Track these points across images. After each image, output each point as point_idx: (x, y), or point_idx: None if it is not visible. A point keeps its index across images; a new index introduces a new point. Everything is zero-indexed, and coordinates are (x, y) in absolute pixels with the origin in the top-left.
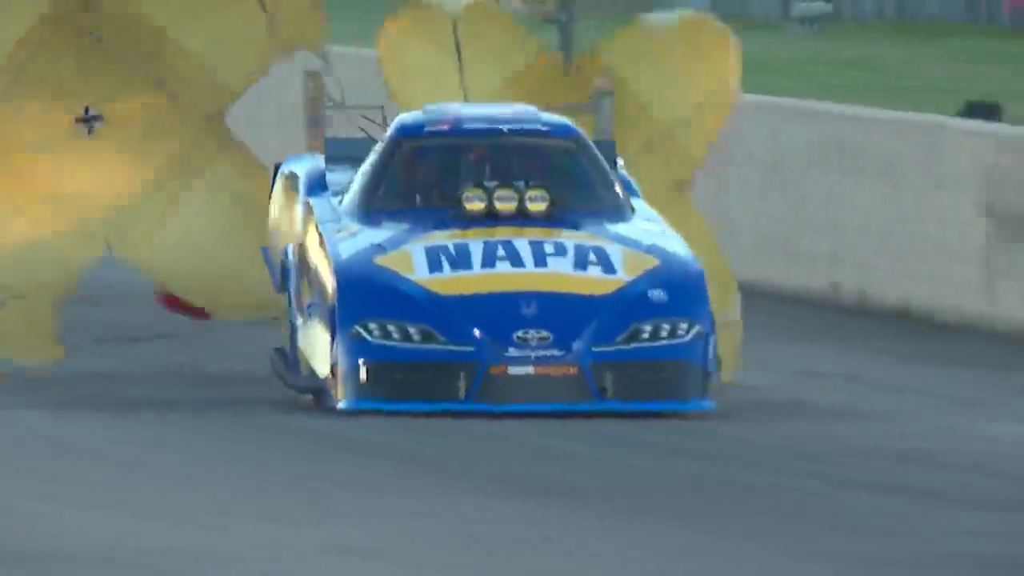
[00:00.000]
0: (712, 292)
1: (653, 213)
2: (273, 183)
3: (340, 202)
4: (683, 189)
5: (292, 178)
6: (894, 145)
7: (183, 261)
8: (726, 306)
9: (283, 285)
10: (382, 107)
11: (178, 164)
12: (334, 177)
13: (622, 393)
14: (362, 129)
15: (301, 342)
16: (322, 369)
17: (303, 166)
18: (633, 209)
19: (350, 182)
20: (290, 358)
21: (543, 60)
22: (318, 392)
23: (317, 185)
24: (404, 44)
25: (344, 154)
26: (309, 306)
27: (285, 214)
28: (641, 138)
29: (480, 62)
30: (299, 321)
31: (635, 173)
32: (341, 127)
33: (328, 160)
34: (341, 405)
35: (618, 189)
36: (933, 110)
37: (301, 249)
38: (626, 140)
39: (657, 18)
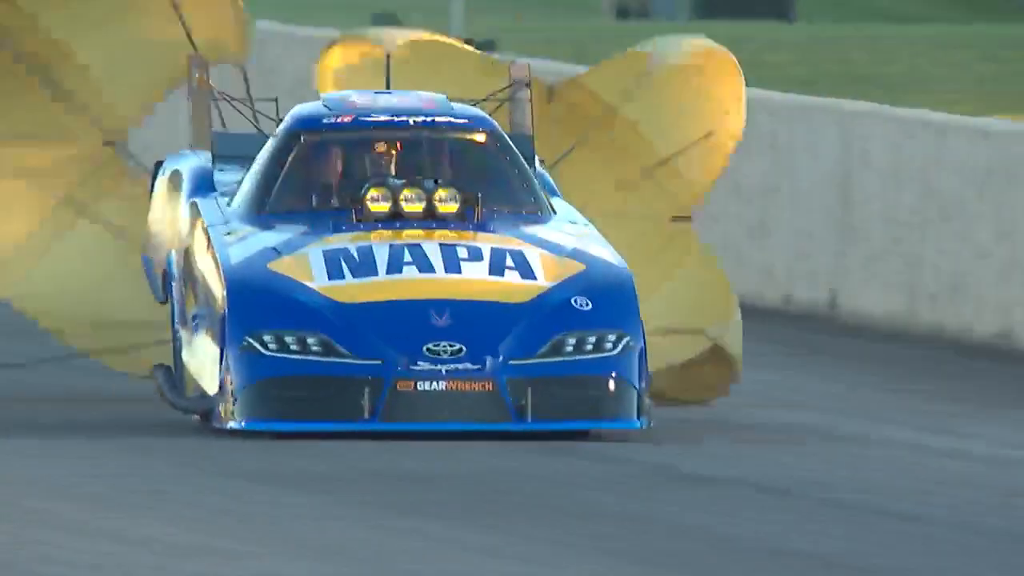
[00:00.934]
0: (710, 312)
1: (576, 214)
2: (153, 183)
3: (229, 203)
4: (683, 222)
5: (175, 177)
6: None
7: (64, 300)
8: (719, 324)
9: (165, 295)
10: (276, 99)
11: (67, 198)
12: (222, 176)
13: (542, 412)
14: (253, 123)
15: (187, 357)
16: (211, 386)
17: (187, 164)
18: (554, 210)
19: (240, 181)
20: (176, 375)
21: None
22: (207, 412)
23: (203, 185)
24: (339, 78)
25: (233, 151)
26: (195, 317)
27: (167, 217)
28: (637, 167)
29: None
30: (184, 334)
31: (633, 202)
32: (231, 121)
33: (216, 158)
34: (233, 425)
35: (537, 188)
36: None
37: (186, 255)
38: (624, 169)
39: (662, 45)
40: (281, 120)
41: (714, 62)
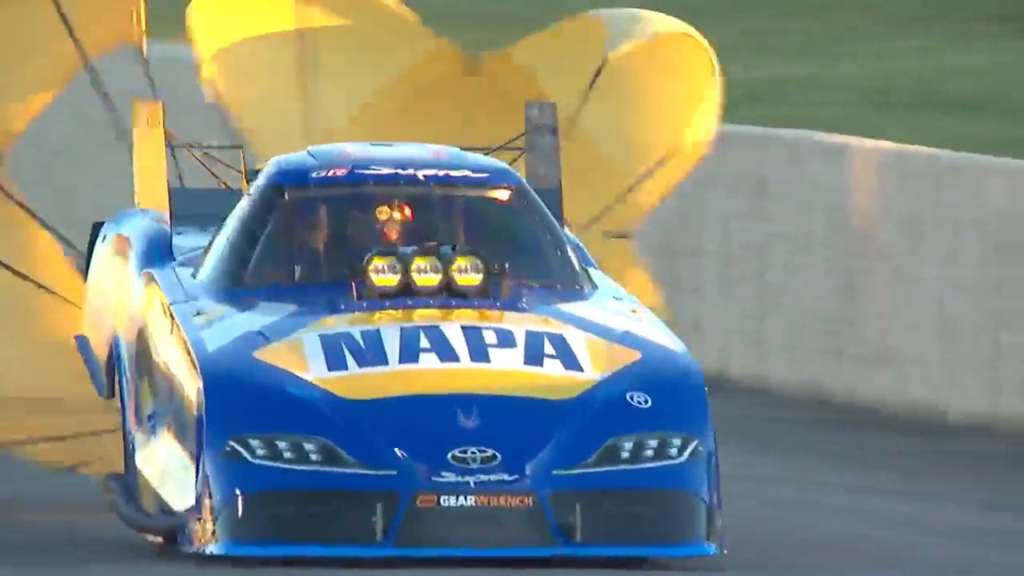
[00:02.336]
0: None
1: (618, 288)
2: (91, 249)
3: (194, 275)
4: (621, 239)
5: (120, 243)
6: None
7: None
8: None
9: (110, 388)
10: (240, 147)
11: None
12: (180, 241)
13: (594, 533)
14: (216, 176)
15: (142, 464)
16: (179, 501)
17: (135, 227)
18: (594, 284)
19: (206, 248)
20: (131, 485)
21: (436, 59)
22: (172, 533)
23: (159, 252)
24: (223, 29)
25: (192, 210)
26: (153, 416)
27: (111, 292)
28: (573, 171)
29: (345, 63)
30: (138, 436)
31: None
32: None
33: (174, 219)
34: (212, 550)
35: (572, 256)
36: None
37: (140, 339)
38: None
39: (615, 24)
40: (250, 173)
41: (682, 52)
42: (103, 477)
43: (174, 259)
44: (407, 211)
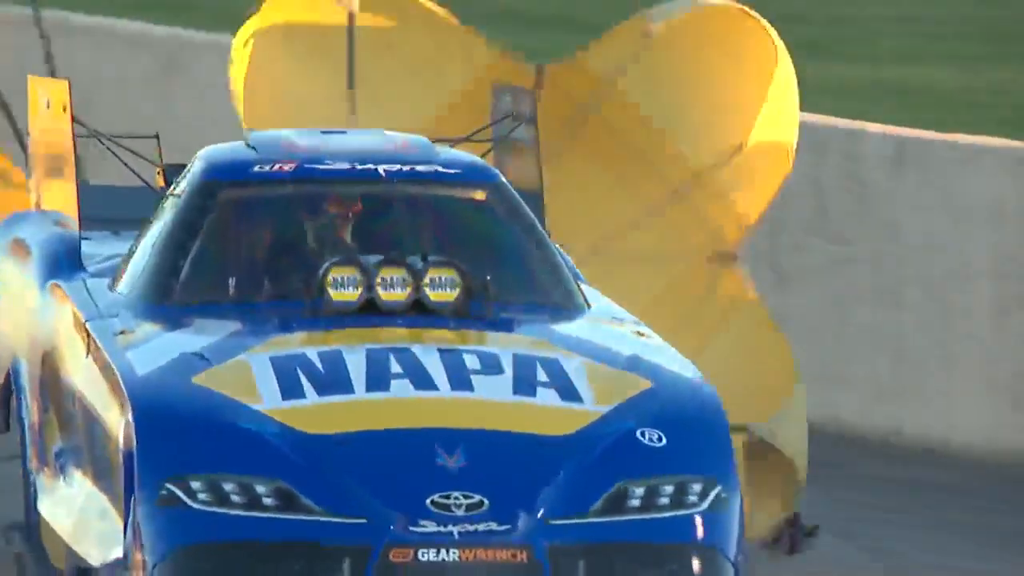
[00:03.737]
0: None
1: (616, 307)
2: None
3: (111, 288)
4: (727, 262)
5: (19, 250)
6: None
7: None
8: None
9: (5, 421)
10: (156, 136)
11: None
12: (90, 248)
13: None
14: (135, 173)
15: (48, 511)
16: (97, 555)
17: (37, 231)
18: (587, 301)
19: (125, 257)
20: (34, 537)
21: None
22: None
23: (66, 261)
24: (271, 48)
25: (100, 211)
26: (61, 454)
27: (9, 307)
28: (663, 188)
29: (396, 80)
30: (42, 479)
31: (653, 239)
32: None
33: (84, 221)
34: None
35: (564, 268)
36: None
37: (46, 363)
38: (639, 192)
39: (664, 10)
40: (172, 168)
41: (736, 31)
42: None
43: (84, 269)
44: (362, 214)
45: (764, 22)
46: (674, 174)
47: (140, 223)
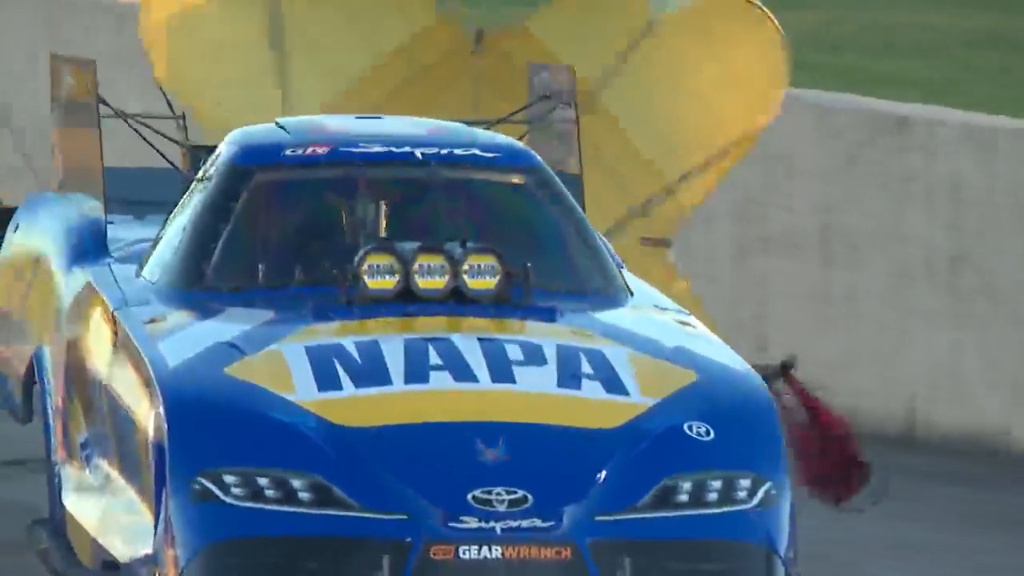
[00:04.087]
0: None
1: (659, 294)
2: None
3: (138, 274)
4: (660, 247)
5: (43, 235)
6: None
7: None
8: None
9: (27, 411)
10: (182, 116)
11: None
12: (115, 233)
13: None
14: (162, 155)
15: (73, 504)
16: (126, 550)
17: (60, 215)
18: (630, 289)
19: (144, 240)
20: (60, 531)
21: (434, 35)
22: None
23: (91, 246)
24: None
25: (124, 194)
26: (87, 445)
27: (29, 293)
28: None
29: (326, 40)
30: (68, 470)
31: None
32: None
33: (119, 207)
34: None
35: (606, 255)
36: None
37: (71, 352)
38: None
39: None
40: (200, 149)
41: (739, 19)
42: (26, 525)
43: (110, 255)
44: (399, 199)
45: (767, 13)
46: (640, 185)
47: (164, 206)
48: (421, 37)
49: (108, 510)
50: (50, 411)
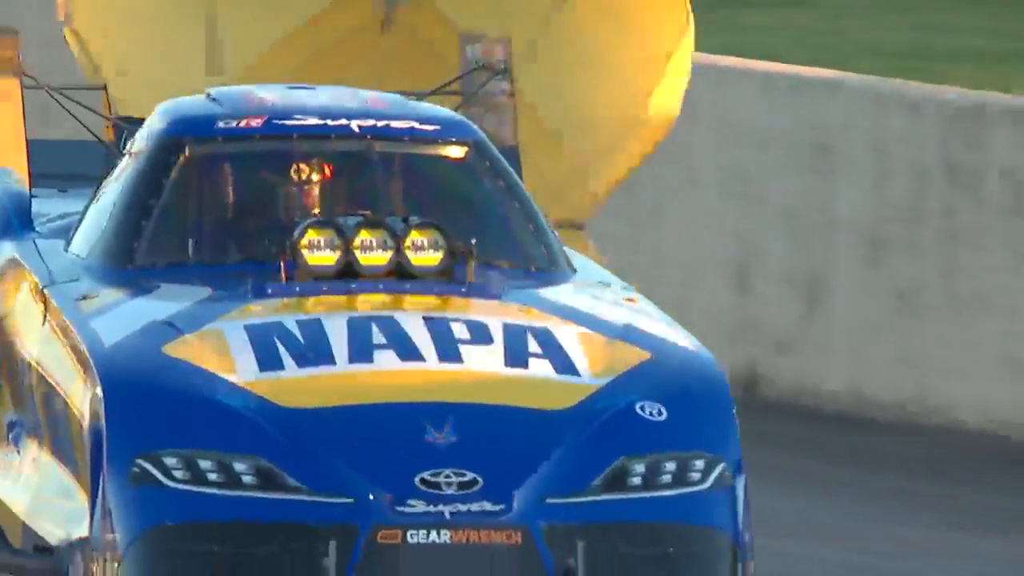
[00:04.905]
0: None
1: (605, 271)
2: None
3: (66, 249)
4: (575, 230)
5: None
6: None
7: None
8: None
9: None
10: (104, 87)
11: None
12: (38, 207)
13: None
14: (85, 127)
15: (1, 487)
16: (57, 534)
17: None
18: (572, 265)
19: (69, 214)
20: None
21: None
22: (53, 573)
23: (15, 221)
24: None
25: (46, 167)
26: (14, 426)
27: None
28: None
29: (240, 7)
30: None
31: None
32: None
33: (39, 180)
34: None
35: (548, 230)
36: None
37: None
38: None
39: None
40: (126, 121)
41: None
42: None
43: (35, 229)
44: (333, 172)
45: None
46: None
47: (88, 180)
48: (330, 11)
49: (39, 493)
50: None
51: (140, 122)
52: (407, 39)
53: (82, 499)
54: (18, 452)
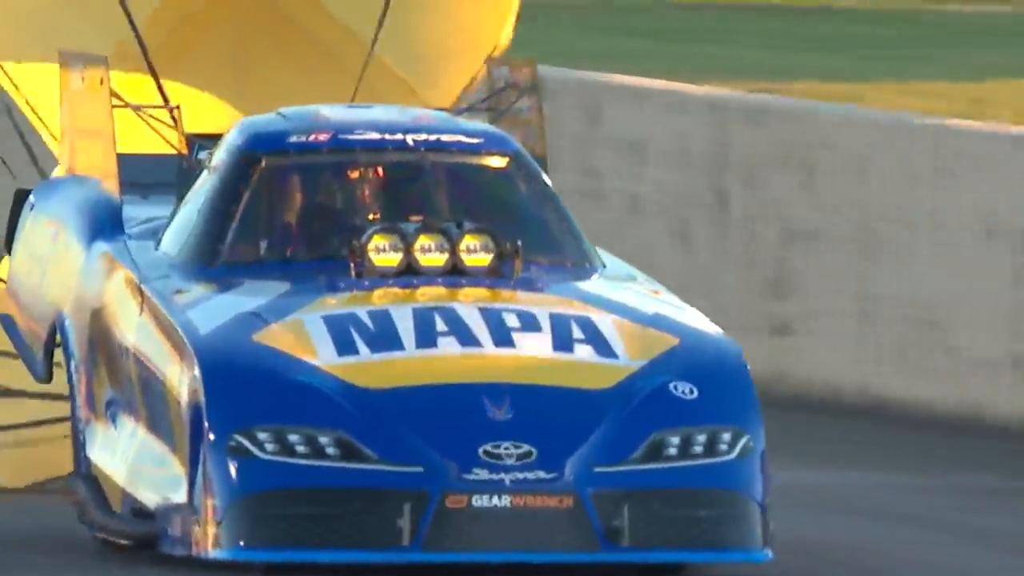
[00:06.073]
0: None
1: (628, 266)
2: (13, 219)
3: (156, 248)
4: None
5: (60, 213)
6: None
7: None
8: None
9: (47, 371)
10: (177, 107)
11: None
12: (126, 212)
13: (642, 537)
14: (168, 141)
15: (99, 458)
16: (155, 500)
17: (76, 195)
18: (601, 260)
19: (157, 219)
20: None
21: None
22: (150, 538)
23: (108, 224)
24: None
25: (130, 177)
26: (112, 404)
27: (51, 267)
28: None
29: None
30: (94, 427)
31: None
32: None
33: (125, 188)
34: (216, 555)
35: (579, 231)
36: None
37: (95, 320)
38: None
39: None
40: (197, 137)
41: None
42: (68, 479)
43: (123, 232)
44: (395, 180)
45: None
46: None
47: (163, 188)
48: (172, 4)
49: (136, 463)
50: (75, 374)
51: (210, 137)
52: (264, 8)
53: (177, 468)
54: (115, 427)
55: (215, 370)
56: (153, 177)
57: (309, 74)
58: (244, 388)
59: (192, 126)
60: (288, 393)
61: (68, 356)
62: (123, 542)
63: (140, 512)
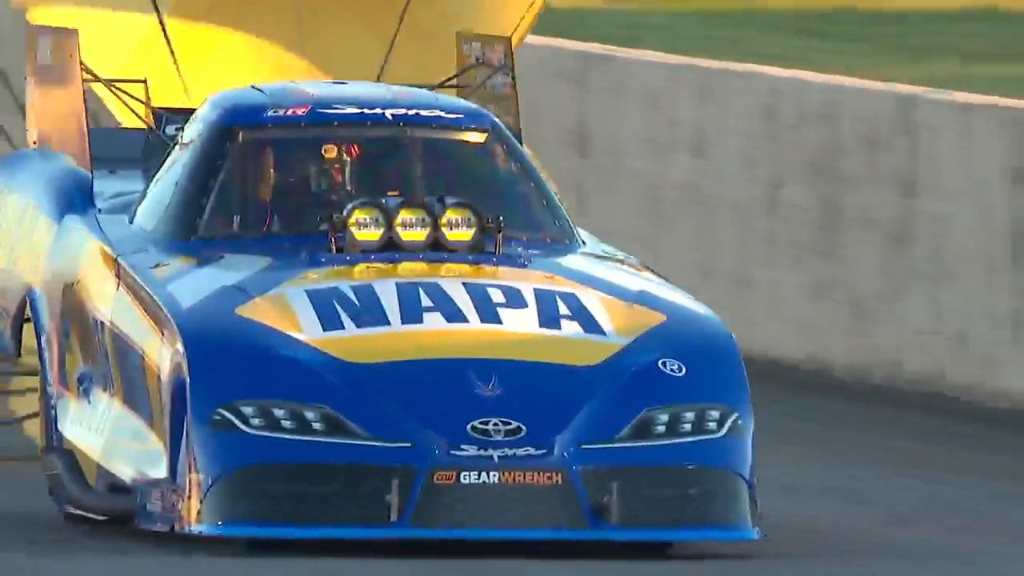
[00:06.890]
0: None
1: (604, 243)
2: None
3: (130, 222)
4: None
5: (23, 187)
6: None
7: None
8: None
9: (16, 346)
10: (144, 80)
11: None
12: (97, 186)
13: (630, 515)
14: (137, 115)
15: (73, 433)
16: (132, 474)
17: (44, 170)
18: (580, 237)
19: (127, 193)
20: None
21: None
22: (127, 513)
23: (78, 199)
24: None
25: (109, 153)
26: (84, 378)
27: (19, 241)
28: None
29: None
30: (66, 402)
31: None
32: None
33: (96, 163)
34: (200, 530)
35: (559, 206)
36: None
37: (68, 294)
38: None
39: None
40: (165, 111)
41: None
42: (42, 456)
43: (94, 206)
44: (374, 154)
45: None
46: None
47: (130, 163)
48: None
49: (112, 437)
50: (45, 349)
51: (178, 111)
52: None
53: (156, 443)
54: (88, 401)
55: (199, 344)
56: (117, 152)
57: (370, 28)
58: (229, 362)
59: (253, 78)
60: (274, 367)
61: (39, 331)
62: (99, 517)
63: (115, 487)
